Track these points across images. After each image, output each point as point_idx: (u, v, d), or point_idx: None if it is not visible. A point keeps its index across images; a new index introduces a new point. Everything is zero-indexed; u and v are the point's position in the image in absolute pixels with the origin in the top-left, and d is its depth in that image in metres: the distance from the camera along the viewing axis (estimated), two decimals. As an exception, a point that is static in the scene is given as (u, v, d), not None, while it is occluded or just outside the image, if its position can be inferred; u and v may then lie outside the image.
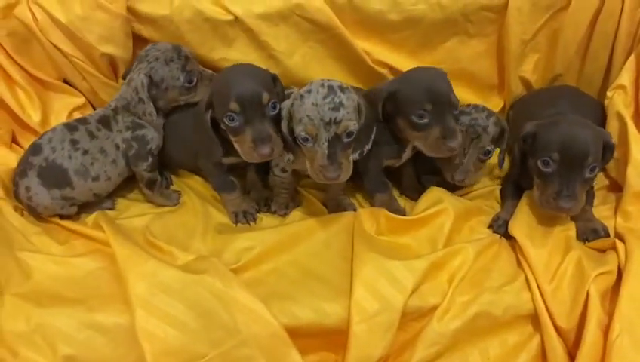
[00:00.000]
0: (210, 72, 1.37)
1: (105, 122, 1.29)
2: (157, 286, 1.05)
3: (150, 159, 1.32)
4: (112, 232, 1.15)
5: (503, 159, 1.35)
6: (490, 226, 1.28)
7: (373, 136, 1.20)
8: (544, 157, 1.15)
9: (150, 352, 1.00)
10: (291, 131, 1.12)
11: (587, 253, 1.18)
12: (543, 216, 1.22)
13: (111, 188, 1.33)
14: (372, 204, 1.35)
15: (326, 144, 1.06)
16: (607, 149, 1.18)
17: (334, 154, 1.06)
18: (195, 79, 1.30)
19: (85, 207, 1.31)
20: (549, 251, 1.16)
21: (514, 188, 1.34)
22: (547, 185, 1.16)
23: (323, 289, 1.11)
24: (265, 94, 1.10)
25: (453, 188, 1.36)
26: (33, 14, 1.32)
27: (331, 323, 1.07)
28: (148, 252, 1.13)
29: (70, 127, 1.28)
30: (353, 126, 1.07)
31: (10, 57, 1.36)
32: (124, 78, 1.35)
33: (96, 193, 1.30)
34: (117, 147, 1.29)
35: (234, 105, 1.09)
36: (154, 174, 1.34)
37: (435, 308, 1.09)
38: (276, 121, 1.14)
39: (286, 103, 1.12)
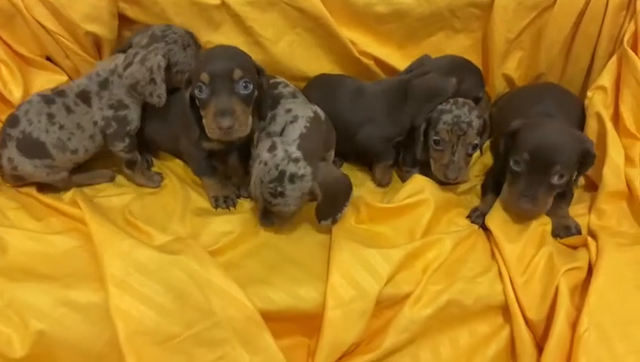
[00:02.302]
0: None
1: (84, 97, 1.27)
2: (132, 266, 1.05)
3: (127, 140, 1.31)
4: (89, 210, 1.15)
5: (482, 148, 1.37)
6: (468, 216, 1.30)
7: (345, 207, 1.19)
8: (516, 157, 1.18)
9: (123, 331, 1.00)
10: None
11: (559, 249, 1.20)
12: (519, 211, 1.24)
13: (89, 157, 1.32)
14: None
15: (262, 206, 1.16)
16: (587, 157, 1.19)
17: (268, 214, 1.18)
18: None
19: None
20: (523, 245, 1.17)
21: (495, 182, 1.35)
22: (515, 184, 1.19)
23: (300, 274, 1.12)
24: (237, 70, 1.10)
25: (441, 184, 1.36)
26: (18, -10, 1.30)
27: (306, 308, 1.08)
28: (125, 231, 1.13)
29: (47, 99, 1.25)
30: (287, 210, 1.14)
31: (-6, 32, 1.35)
32: (122, 51, 1.32)
33: (76, 162, 1.29)
34: (95, 123, 1.28)
35: (204, 76, 1.10)
36: (133, 155, 1.33)
37: (408, 296, 1.10)
38: (248, 102, 1.14)
39: (257, 143, 1.18)
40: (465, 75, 1.37)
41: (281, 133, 1.17)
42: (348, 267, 1.10)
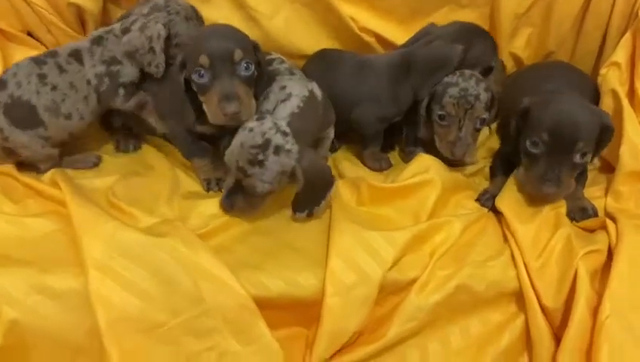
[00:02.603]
0: None
1: (77, 55, 1.19)
2: (115, 249, 0.96)
3: (122, 90, 1.22)
4: (70, 190, 1.06)
5: (491, 125, 1.29)
6: (477, 200, 1.21)
7: (327, 199, 1.11)
8: (533, 138, 1.09)
9: (104, 319, 0.91)
10: None
11: (576, 232, 1.12)
12: (532, 192, 1.16)
13: (85, 127, 1.24)
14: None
15: (232, 180, 1.07)
16: (605, 132, 1.11)
17: (234, 193, 1.07)
18: None
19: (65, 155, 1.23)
20: (537, 227, 1.10)
21: (504, 164, 1.28)
22: (533, 167, 1.11)
23: (296, 259, 1.04)
24: (237, 51, 1.03)
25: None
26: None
27: (304, 295, 1.00)
28: (107, 213, 1.04)
29: (38, 60, 1.17)
30: (261, 188, 1.03)
31: (-29, 6, 1.27)
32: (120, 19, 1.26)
33: (71, 132, 1.21)
34: (88, 82, 1.19)
35: (203, 59, 1.02)
36: (135, 98, 1.24)
37: (414, 281, 1.02)
38: (250, 84, 1.06)
39: None
40: (474, 41, 1.29)
41: (272, 112, 1.10)
42: (349, 250, 1.01)
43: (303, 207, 1.09)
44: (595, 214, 1.18)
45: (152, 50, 1.17)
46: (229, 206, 1.07)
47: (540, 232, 1.09)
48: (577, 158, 1.08)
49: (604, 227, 1.12)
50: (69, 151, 1.25)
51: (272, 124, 1.02)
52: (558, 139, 1.07)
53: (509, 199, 1.15)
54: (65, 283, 0.96)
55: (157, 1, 1.23)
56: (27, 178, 1.15)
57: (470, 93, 1.20)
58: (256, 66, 1.08)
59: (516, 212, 1.12)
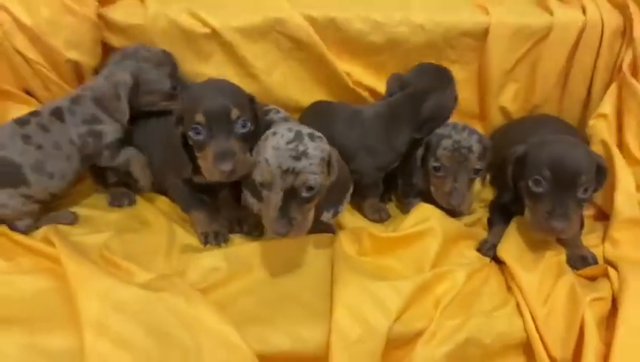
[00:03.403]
0: (193, 83, 1.33)
1: (58, 114, 1.19)
2: (111, 306, 0.93)
3: (107, 152, 1.24)
4: (64, 247, 1.03)
5: (486, 176, 1.31)
6: (478, 250, 1.21)
7: (349, 194, 1.11)
8: (535, 176, 1.10)
9: (99, 380, 0.87)
10: None
11: (579, 279, 1.12)
12: (534, 239, 1.16)
13: (66, 187, 1.23)
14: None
15: (280, 195, 0.96)
16: (601, 172, 1.14)
17: (286, 208, 0.96)
18: (179, 88, 1.28)
19: (43, 213, 1.21)
20: (541, 275, 1.09)
21: (502, 213, 1.28)
22: (539, 206, 1.10)
23: (300, 312, 1.01)
24: (234, 110, 1.03)
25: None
26: (-4, 17, 1.25)
27: (309, 351, 0.96)
28: (102, 269, 1.01)
29: (20, 121, 1.18)
30: (314, 180, 0.97)
31: (-29, 65, 1.28)
32: (96, 72, 1.31)
33: (51, 192, 1.20)
34: (71, 142, 1.20)
35: (200, 117, 1.02)
36: (119, 158, 1.26)
37: (420, 333, 1.00)
38: (246, 141, 1.06)
39: (255, 148, 1.05)
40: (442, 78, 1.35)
41: None
42: (354, 302, 0.99)
43: (329, 207, 1.06)
44: (595, 262, 1.18)
45: (117, 96, 1.19)
46: (286, 225, 0.95)
47: (543, 280, 1.08)
48: (581, 193, 1.09)
49: (605, 274, 1.11)
50: (46, 210, 1.24)
51: (292, 122, 1.01)
52: (560, 175, 1.08)
53: (510, 247, 1.15)
54: (57, 344, 0.92)
55: (126, 50, 1.27)
56: (19, 236, 1.13)
57: (463, 146, 1.22)
58: (253, 119, 1.09)
59: (519, 260, 1.11)
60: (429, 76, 1.33)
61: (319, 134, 1.03)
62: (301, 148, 0.97)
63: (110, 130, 1.23)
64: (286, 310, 1.02)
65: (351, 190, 1.11)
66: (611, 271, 1.10)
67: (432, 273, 1.08)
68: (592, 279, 1.14)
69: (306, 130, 1.02)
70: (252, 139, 1.09)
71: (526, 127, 1.48)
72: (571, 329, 1.01)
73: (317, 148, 0.99)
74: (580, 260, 1.17)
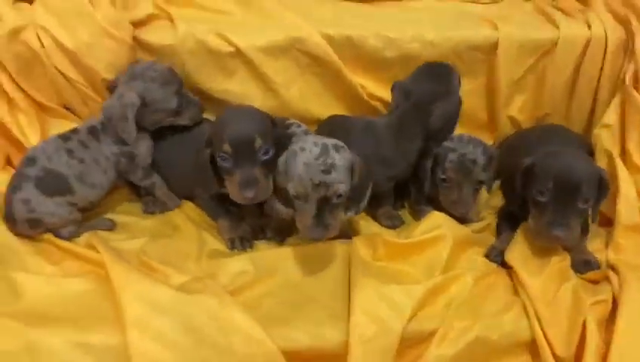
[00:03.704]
0: (197, 98, 1.39)
1: (94, 133, 1.30)
2: (151, 306, 1.03)
3: (140, 172, 1.35)
4: (107, 252, 1.14)
5: (491, 185, 1.38)
6: (486, 256, 1.28)
7: (369, 193, 1.19)
8: (539, 187, 1.18)
9: (142, 374, 0.97)
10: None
11: (582, 283, 1.19)
12: (539, 246, 1.23)
13: (103, 196, 1.34)
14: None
15: (315, 205, 1.06)
16: (603, 186, 1.20)
17: (322, 216, 1.06)
18: (185, 106, 1.34)
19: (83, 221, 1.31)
20: (545, 279, 1.16)
21: (509, 220, 1.35)
22: (542, 215, 1.18)
23: (321, 313, 1.10)
24: (257, 140, 1.11)
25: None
26: (39, 39, 1.35)
27: (330, 347, 1.05)
28: (142, 272, 1.11)
29: (64, 137, 1.29)
30: (343, 189, 1.07)
31: (14, 81, 1.38)
32: (109, 90, 1.37)
33: (92, 201, 1.31)
34: (107, 158, 1.31)
35: (226, 147, 1.11)
36: (149, 180, 1.37)
37: (432, 333, 1.08)
38: (269, 165, 1.15)
39: (282, 158, 1.13)
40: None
41: None
42: (369, 303, 1.07)
43: (352, 206, 1.15)
44: (598, 267, 1.25)
45: (124, 118, 1.26)
46: (322, 231, 1.06)
47: (548, 284, 1.15)
48: (581, 204, 1.16)
49: (607, 278, 1.19)
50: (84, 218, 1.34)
51: (315, 136, 1.10)
52: (562, 186, 1.15)
53: (517, 253, 1.22)
54: (102, 340, 1.02)
55: (135, 69, 1.32)
56: (64, 242, 1.24)
57: (468, 159, 1.31)
58: (275, 141, 1.17)
59: (525, 265, 1.18)
60: (428, 79, 1.36)
61: (342, 144, 1.12)
62: (329, 161, 1.06)
63: (142, 151, 1.33)
64: (307, 311, 1.10)
65: (370, 188, 1.19)
66: (612, 276, 1.17)
67: (442, 277, 1.16)
68: (595, 282, 1.21)
69: (330, 141, 1.10)
70: (274, 159, 1.17)
71: (534, 136, 1.55)
72: (574, 330, 1.08)
73: (342, 158, 1.08)
74: (583, 265, 1.24)
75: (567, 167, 1.17)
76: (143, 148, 1.33)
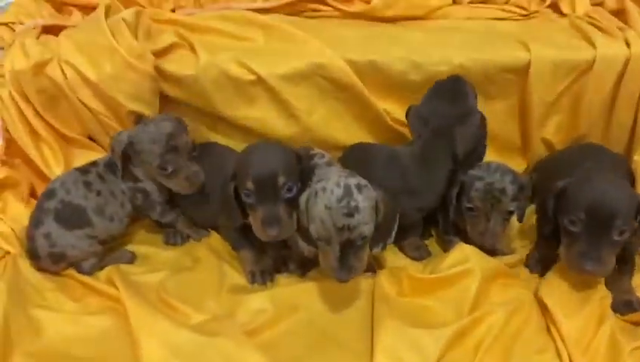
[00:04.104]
0: (195, 169, 1.30)
1: (111, 167, 1.31)
2: (169, 348, 1.02)
3: (159, 208, 1.36)
4: (125, 289, 1.14)
5: (523, 214, 1.31)
6: (526, 265, 1.27)
7: (395, 228, 1.16)
8: (571, 216, 1.11)
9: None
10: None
11: (621, 326, 1.11)
12: (576, 282, 1.16)
13: (123, 230, 1.35)
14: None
15: (337, 247, 1.04)
16: None
17: (346, 258, 1.04)
18: (171, 170, 1.26)
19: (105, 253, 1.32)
20: (583, 321, 1.09)
21: (546, 239, 1.28)
22: (573, 245, 1.12)
23: (341, 355, 1.07)
24: (281, 178, 1.10)
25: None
26: (63, 72, 1.36)
27: (349, 392, 1.02)
28: (161, 311, 1.11)
29: (82, 170, 1.31)
30: (368, 230, 1.05)
31: (38, 114, 1.39)
32: (135, 123, 1.37)
33: (111, 234, 1.32)
34: (123, 192, 1.32)
35: (250, 185, 1.10)
36: (169, 217, 1.38)
37: (460, 378, 1.03)
38: (293, 202, 1.13)
39: (303, 197, 1.11)
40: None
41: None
42: (393, 347, 1.03)
43: (378, 241, 1.12)
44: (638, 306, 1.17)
45: (113, 152, 1.27)
46: (347, 274, 1.05)
47: (585, 327, 1.08)
48: (616, 236, 1.08)
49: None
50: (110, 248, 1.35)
51: (335, 174, 1.07)
52: (595, 218, 1.08)
53: (552, 289, 1.16)
54: (121, 382, 1.01)
55: (152, 119, 1.32)
56: (86, 278, 1.24)
57: (496, 188, 1.24)
58: (300, 175, 1.15)
59: (561, 305, 1.12)
60: (442, 100, 1.30)
61: (364, 182, 1.08)
62: (352, 203, 1.02)
63: (153, 189, 1.33)
64: (328, 352, 1.08)
65: (397, 222, 1.15)
66: None
67: (470, 318, 1.10)
68: (637, 324, 1.13)
69: (352, 181, 1.06)
70: (299, 194, 1.15)
71: (570, 156, 1.47)
72: None
73: (365, 199, 1.04)
74: (624, 305, 1.16)
75: (600, 195, 1.09)
76: (150, 186, 1.33)
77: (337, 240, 1.03)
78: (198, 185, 1.31)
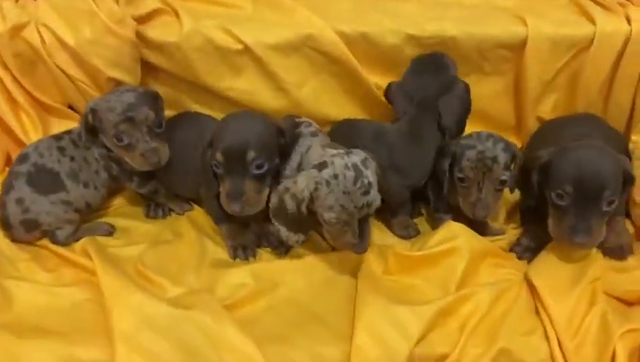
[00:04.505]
0: (153, 145, 1.21)
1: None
2: (143, 321, 0.98)
3: (136, 178, 1.32)
4: (100, 260, 1.10)
5: (514, 185, 1.27)
6: (511, 250, 1.23)
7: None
8: (558, 190, 1.08)
9: (129, 393, 0.92)
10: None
11: (613, 307, 1.07)
12: (567, 264, 1.13)
13: (99, 199, 1.31)
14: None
15: (356, 223, 1.04)
16: (627, 179, 1.09)
17: (362, 232, 1.05)
18: (126, 142, 1.19)
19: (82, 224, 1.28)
20: (573, 305, 1.05)
21: (531, 213, 1.26)
22: (562, 219, 1.09)
23: (322, 332, 1.03)
24: (251, 152, 1.07)
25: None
26: (41, 36, 1.31)
27: (329, 370, 0.98)
28: (136, 283, 1.07)
29: (56, 137, 1.28)
30: (379, 201, 1.05)
31: (16, 79, 1.35)
32: None
33: (87, 201, 1.28)
34: (96, 160, 1.28)
35: (219, 156, 1.08)
36: (148, 187, 1.34)
37: (442, 358, 0.99)
38: (263, 179, 1.10)
39: (301, 187, 1.05)
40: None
41: (299, 166, 1.13)
42: (375, 324, 1.00)
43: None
44: (629, 253, 1.18)
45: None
46: (365, 246, 1.07)
47: (575, 310, 1.04)
48: (605, 207, 1.06)
49: (644, 300, 1.08)
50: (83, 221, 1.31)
51: (339, 157, 1.04)
52: (583, 191, 1.05)
53: (542, 271, 1.12)
54: (92, 355, 0.98)
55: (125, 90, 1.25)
56: (60, 248, 1.20)
57: (487, 156, 1.19)
58: (283, 149, 1.14)
59: (551, 287, 1.08)
60: (423, 74, 1.31)
61: (365, 154, 1.07)
62: (365, 181, 1.02)
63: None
64: (308, 329, 1.04)
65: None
66: None
67: (455, 296, 1.07)
68: (630, 304, 1.10)
69: (357, 158, 1.05)
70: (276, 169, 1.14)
71: (562, 122, 1.45)
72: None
73: (372, 172, 1.05)
74: (612, 250, 1.17)
75: (588, 167, 1.06)
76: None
77: (355, 217, 1.03)
78: (156, 164, 1.23)
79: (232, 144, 1.08)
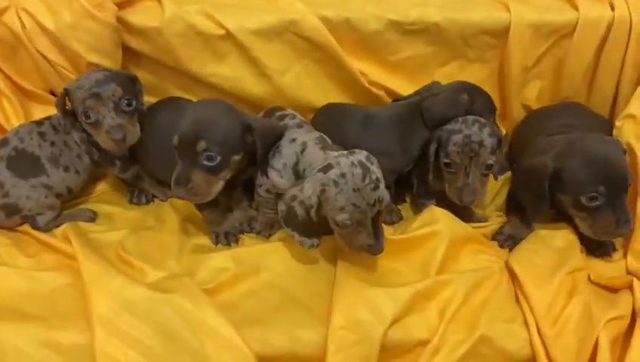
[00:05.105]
0: (118, 121, 1.19)
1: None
2: (122, 306, 0.98)
3: (118, 163, 1.32)
4: (80, 245, 1.10)
5: (498, 171, 1.27)
6: (494, 238, 1.24)
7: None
8: (591, 194, 1.10)
9: (108, 376, 0.92)
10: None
11: (598, 295, 1.09)
12: (548, 252, 1.14)
13: (81, 183, 1.32)
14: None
15: (370, 223, 1.02)
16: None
17: (376, 230, 1.03)
18: (94, 119, 1.18)
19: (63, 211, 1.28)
20: (554, 293, 1.05)
21: (519, 204, 1.27)
22: (600, 218, 1.11)
23: (302, 316, 1.04)
24: (202, 143, 1.05)
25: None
26: (21, 21, 1.30)
27: (307, 353, 0.99)
28: (116, 268, 1.07)
29: (37, 122, 1.28)
30: (388, 197, 1.04)
31: (-3, 65, 1.34)
32: None
33: (68, 186, 1.28)
34: (77, 144, 1.28)
35: (175, 139, 1.08)
36: (130, 172, 1.35)
37: (421, 343, 1.00)
38: (216, 172, 1.08)
39: (308, 193, 1.02)
40: (475, 98, 1.29)
41: (295, 165, 1.12)
42: (351, 308, 1.01)
43: None
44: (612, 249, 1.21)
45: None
46: (382, 244, 1.04)
47: (555, 298, 1.04)
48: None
49: (629, 286, 1.09)
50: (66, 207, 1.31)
51: (344, 157, 1.03)
52: (614, 185, 1.09)
53: (524, 260, 1.12)
54: (71, 339, 0.99)
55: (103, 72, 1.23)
56: (41, 234, 1.20)
57: (474, 140, 1.19)
58: (250, 146, 1.11)
59: (531, 275, 1.08)
60: (458, 89, 1.31)
61: (364, 152, 1.05)
62: (373, 176, 1.01)
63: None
64: (288, 313, 1.05)
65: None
66: (636, 284, 1.08)
67: (434, 280, 1.07)
68: (614, 291, 1.11)
69: (361, 155, 1.03)
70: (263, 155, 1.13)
71: (548, 112, 1.46)
72: (583, 350, 0.99)
73: (377, 166, 1.04)
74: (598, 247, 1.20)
75: (613, 164, 1.11)
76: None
77: (368, 215, 1.01)
78: (120, 142, 1.20)
79: (186, 131, 1.07)
